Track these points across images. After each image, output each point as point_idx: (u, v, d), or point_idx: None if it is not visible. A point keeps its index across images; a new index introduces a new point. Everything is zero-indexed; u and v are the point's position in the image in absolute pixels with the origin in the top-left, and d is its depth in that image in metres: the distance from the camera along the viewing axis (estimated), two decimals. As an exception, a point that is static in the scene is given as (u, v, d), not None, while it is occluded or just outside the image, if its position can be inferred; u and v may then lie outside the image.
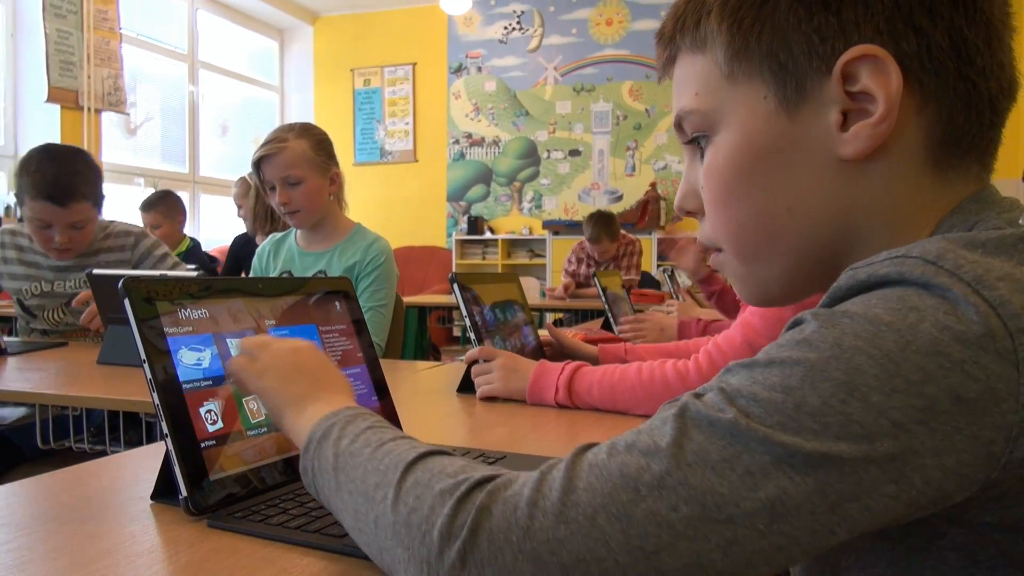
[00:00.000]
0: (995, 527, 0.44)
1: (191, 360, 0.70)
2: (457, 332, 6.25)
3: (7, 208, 4.71)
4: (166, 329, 0.69)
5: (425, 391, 1.37)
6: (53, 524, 0.65)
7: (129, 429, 1.49)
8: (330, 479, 0.54)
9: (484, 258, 6.87)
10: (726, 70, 0.53)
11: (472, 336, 1.24)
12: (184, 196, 6.34)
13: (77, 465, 0.84)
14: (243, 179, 3.66)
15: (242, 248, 3.74)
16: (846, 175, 0.51)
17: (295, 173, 1.94)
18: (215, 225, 6.52)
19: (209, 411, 0.70)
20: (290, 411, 0.63)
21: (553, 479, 0.44)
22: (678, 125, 0.58)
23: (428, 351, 4.28)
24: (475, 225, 6.84)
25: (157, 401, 0.66)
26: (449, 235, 7.04)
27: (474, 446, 0.90)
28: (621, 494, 0.41)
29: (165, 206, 3.72)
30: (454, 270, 6.76)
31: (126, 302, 0.67)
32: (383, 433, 0.55)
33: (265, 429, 0.74)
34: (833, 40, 0.49)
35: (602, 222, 4.31)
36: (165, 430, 0.66)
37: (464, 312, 1.23)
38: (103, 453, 1.50)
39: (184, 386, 0.68)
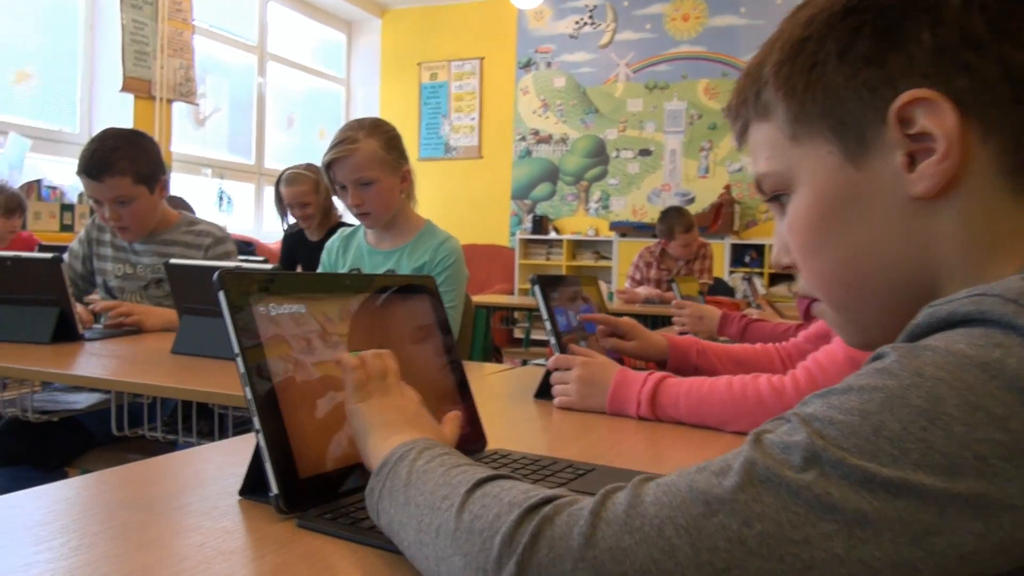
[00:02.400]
0: None
1: (285, 355, 0.71)
2: (519, 334, 6.25)
3: (80, 195, 4.92)
4: (260, 323, 0.70)
5: (500, 395, 1.36)
6: (144, 515, 0.67)
7: (200, 420, 1.53)
8: (399, 495, 0.57)
9: (548, 258, 6.86)
10: (789, 132, 0.58)
11: (552, 340, 1.23)
12: (249, 188, 6.54)
13: (162, 456, 0.86)
14: (302, 175, 3.49)
15: (296, 244, 3.73)
16: (921, 213, 0.53)
17: (367, 175, 1.95)
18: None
19: (301, 408, 0.70)
20: (376, 434, 0.67)
21: (618, 496, 0.45)
22: (759, 187, 0.63)
23: (491, 353, 4.29)
24: (540, 225, 6.84)
25: (250, 395, 0.67)
26: (512, 234, 7.05)
27: (557, 455, 0.89)
28: (691, 507, 0.42)
29: (172, 207, 3.81)
30: (517, 270, 6.78)
31: (221, 295, 0.68)
32: (461, 459, 0.58)
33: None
34: (883, 90, 0.53)
35: (678, 216, 4.23)
36: (257, 425, 0.66)
37: (545, 315, 1.23)
38: (174, 442, 1.54)
39: (276, 381, 0.69)
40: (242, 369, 0.67)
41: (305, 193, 3.50)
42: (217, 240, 2.20)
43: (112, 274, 2.21)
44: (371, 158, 1.95)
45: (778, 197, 0.61)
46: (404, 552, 0.55)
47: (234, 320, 0.68)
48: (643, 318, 4.06)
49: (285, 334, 0.71)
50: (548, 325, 1.24)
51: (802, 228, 0.59)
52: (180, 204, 3.90)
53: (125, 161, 2.02)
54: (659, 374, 1.16)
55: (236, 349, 0.68)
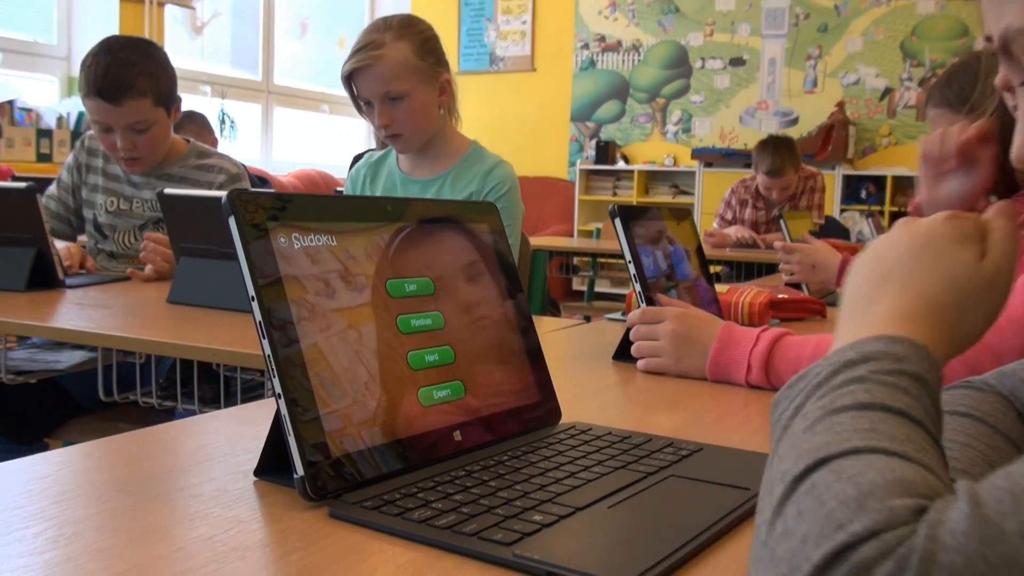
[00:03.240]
0: None
1: (313, 301, 0.67)
2: (578, 285, 6.22)
3: (59, 119, 4.97)
4: (280, 260, 0.66)
5: (568, 356, 1.34)
6: (138, 499, 0.64)
7: (203, 383, 1.52)
8: (776, 438, 0.50)
9: (615, 193, 6.82)
10: None
11: (637, 288, 1.19)
12: (256, 109, 6.56)
13: (159, 426, 0.85)
14: None
15: None
16: None
17: (396, 87, 1.91)
18: (292, 146, 6.70)
19: (332, 368, 0.67)
20: (878, 303, 0.58)
21: (952, 518, 0.36)
22: (1005, 49, 0.55)
23: (546, 306, 4.26)
24: (605, 152, 6.77)
25: (268, 351, 0.63)
26: (572, 164, 7.02)
27: (648, 431, 0.85)
28: None
29: (195, 125, 3.83)
30: (576, 208, 6.72)
31: (231, 221, 0.64)
32: (853, 395, 0.48)
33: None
34: None
35: (783, 149, 4.11)
36: (278, 388, 0.63)
37: (628, 256, 1.18)
38: (172, 410, 1.54)
39: (302, 334, 0.65)
40: (259, 317, 0.64)
41: None
42: (231, 178, 2.18)
43: (103, 208, 2.20)
44: (401, 66, 1.90)
45: None
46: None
47: (248, 256, 0.64)
48: (736, 265, 3.97)
49: (312, 274, 0.68)
50: (631, 268, 1.19)
51: None
52: (202, 123, 3.92)
53: (145, 80, 2.00)
54: (775, 331, 1.11)
55: (251, 292, 0.64)
